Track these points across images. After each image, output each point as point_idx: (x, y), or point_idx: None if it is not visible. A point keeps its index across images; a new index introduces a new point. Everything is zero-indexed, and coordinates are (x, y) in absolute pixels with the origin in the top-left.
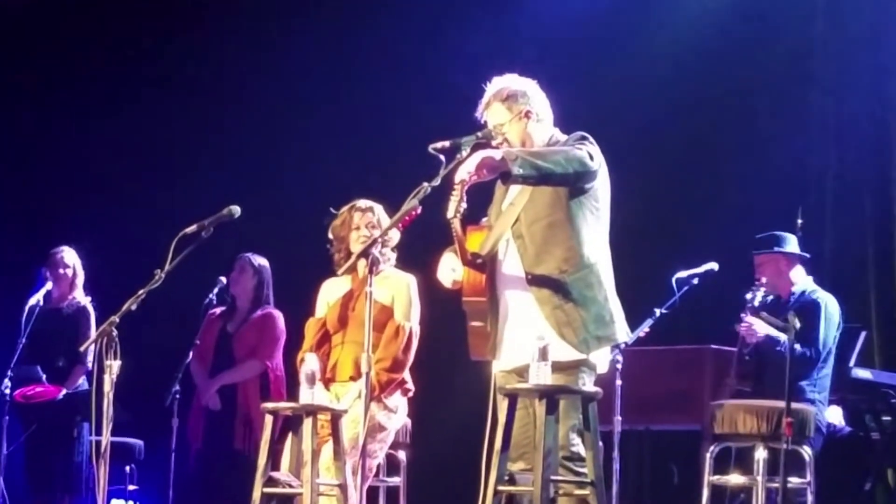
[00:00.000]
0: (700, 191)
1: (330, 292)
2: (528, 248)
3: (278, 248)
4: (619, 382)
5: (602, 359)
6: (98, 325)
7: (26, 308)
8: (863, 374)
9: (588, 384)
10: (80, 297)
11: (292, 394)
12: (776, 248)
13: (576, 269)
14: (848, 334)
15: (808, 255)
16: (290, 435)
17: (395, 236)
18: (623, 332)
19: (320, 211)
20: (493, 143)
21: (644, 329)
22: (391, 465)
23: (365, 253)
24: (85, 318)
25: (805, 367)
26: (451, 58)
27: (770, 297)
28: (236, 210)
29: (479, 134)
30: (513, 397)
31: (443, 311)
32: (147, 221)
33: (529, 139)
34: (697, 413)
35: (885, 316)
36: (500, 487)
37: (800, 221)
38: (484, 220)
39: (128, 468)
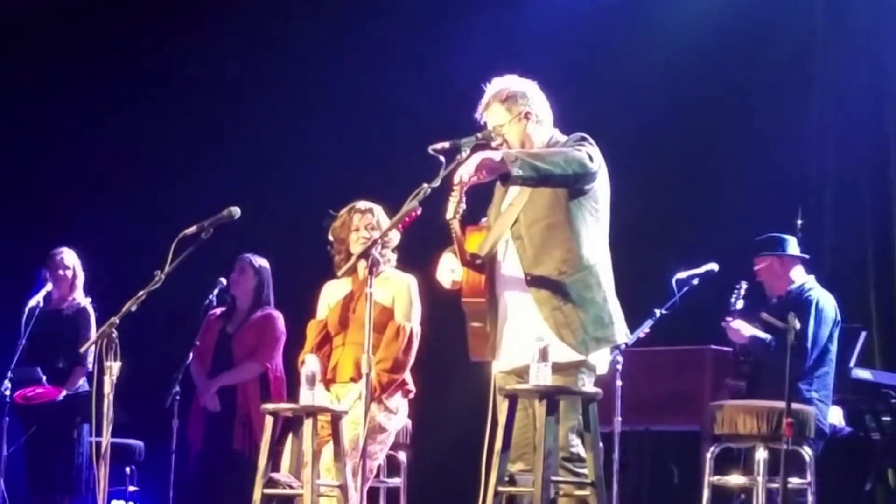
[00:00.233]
0: (700, 191)
1: (330, 294)
2: (527, 249)
3: (278, 249)
4: (619, 383)
5: (601, 360)
6: (98, 326)
7: (26, 309)
8: (863, 374)
9: (588, 385)
10: (81, 298)
11: (293, 395)
12: (770, 252)
13: (575, 270)
14: (848, 334)
15: (802, 257)
16: (290, 436)
17: (395, 237)
18: (622, 334)
19: (320, 212)
20: (493, 144)
21: (644, 330)
22: (391, 466)
23: (365, 254)
24: (85, 320)
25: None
26: (451, 58)
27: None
28: (236, 211)
29: (479, 135)
30: (513, 398)
31: (443, 311)
32: (147, 222)
33: (529, 140)
34: (697, 414)
35: (886, 316)
36: (501, 488)
37: (799, 222)
38: (483, 220)
39: (128, 469)
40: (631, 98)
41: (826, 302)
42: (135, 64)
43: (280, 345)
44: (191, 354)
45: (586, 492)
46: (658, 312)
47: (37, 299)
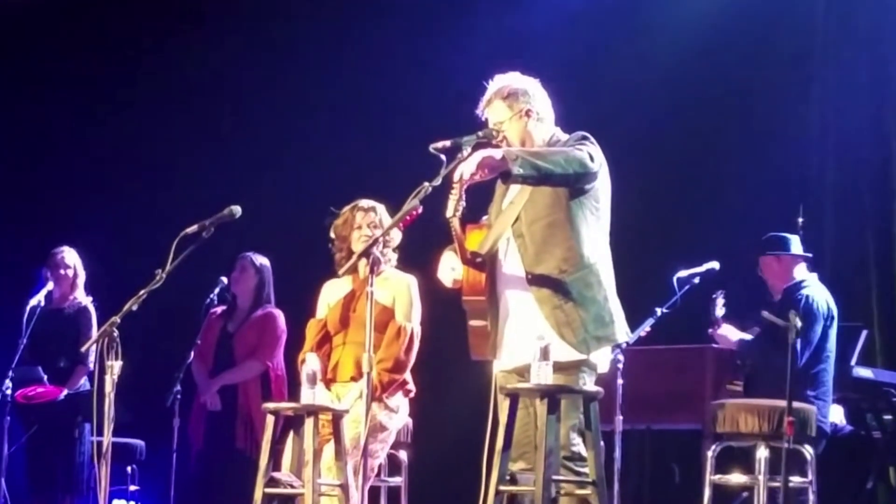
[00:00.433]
0: (701, 190)
1: (331, 293)
2: (528, 247)
3: (278, 248)
4: (620, 382)
5: (602, 358)
6: (99, 325)
7: (27, 308)
8: (864, 372)
9: (588, 384)
10: (82, 297)
11: (293, 394)
12: (769, 252)
13: (575, 268)
14: (849, 333)
15: (801, 255)
16: (291, 435)
17: (396, 236)
18: (623, 333)
19: (321, 211)
20: (494, 141)
21: (645, 328)
22: (392, 465)
23: (366, 253)
24: (86, 319)
25: (770, 355)
26: (452, 57)
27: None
28: (237, 210)
29: (480, 133)
30: (514, 397)
31: (443, 311)
32: (148, 221)
33: (529, 138)
34: (699, 412)
35: (887, 315)
36: (502, 487)
37: (800, 220)
38: (484, 218)
39: (129, 468)
40: (631, 97)
41: (818, 298)
42: (135, 64)
43: (281, 343)
44: (192, 353)
45: (587, 491)
46: (659, 311)
47: (38, 298)
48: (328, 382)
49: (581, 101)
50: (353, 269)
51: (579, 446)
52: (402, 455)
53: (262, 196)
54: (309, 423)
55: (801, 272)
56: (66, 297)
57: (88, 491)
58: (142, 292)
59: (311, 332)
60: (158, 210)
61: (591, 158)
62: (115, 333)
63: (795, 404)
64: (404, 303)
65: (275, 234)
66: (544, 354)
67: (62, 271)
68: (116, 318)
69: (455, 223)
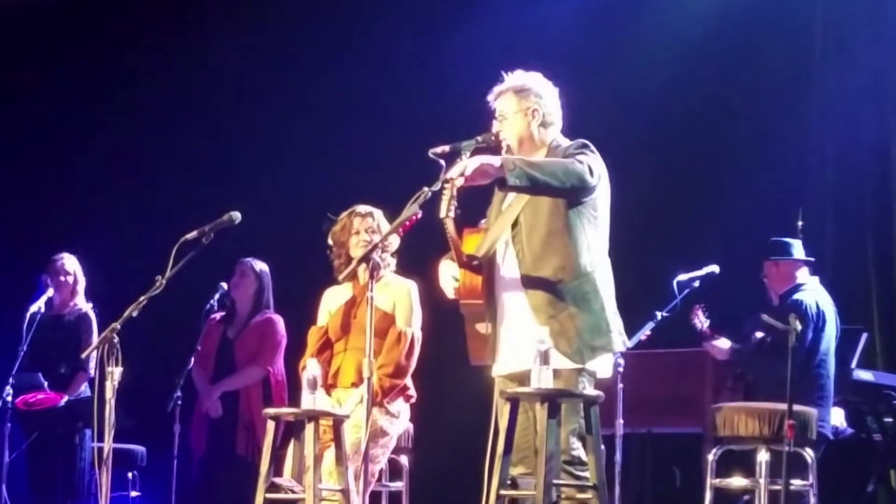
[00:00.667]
0: (701, 193)
1: (331, 300)
2: (526, 255)
3: (278, 254)
4: (620, 386)
5: (602, 366)
6: (99, 331)
7: (27, 315)
8: (864, 375)
9: (588, 389)
10: (82, 303)
11: (294, 400)
12: (769, 257)
13: (572, 277)
14: (849, 336)
15: (797, 259)
16: (292, 440)
17: (394, 241)
18: (619, 342)
19: (320, 216)
20: (493, 145)
21: (645, 332)
22: (393, 470)
23: (365, 258)
24: (86, 325)
25: (753, 361)
26: (451, 62)
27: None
28: (237, 216)
29: (480, 138)
30: (514, 401)
31: (444, 316)
32: (148, 227)
33: (528, 138)
34: (699, 416)
35: (887, 317)
36: (503, 492)
37: (800, 223)
38: (482, 222)
39: (130, 475)
40: (631, 100)
41: (808, 301)
42: (135, 67)
43: (281, 349)
44: (192, 359)
45: (588, 495)
46: (659, 315)
47: (38, 305)
48: (329, 388)
49: (580, 104)
50: (353, 275)
51: (579, 450)
52: (403, 460)
53: (262, 201)
54: (310, 429)
55: (801, 276)
56: (67, 303)
57: (89, 497)
58: (142, 298)
59: (313, 339)
60: (158, 216)
61: (591, 172)
62: (116, 340)
63: (796, 407)
64: (405, 308)
65: (274, 240)
66: (544, 358)
67: (62, 278)
68: (117, 325)
69: (448, 224)
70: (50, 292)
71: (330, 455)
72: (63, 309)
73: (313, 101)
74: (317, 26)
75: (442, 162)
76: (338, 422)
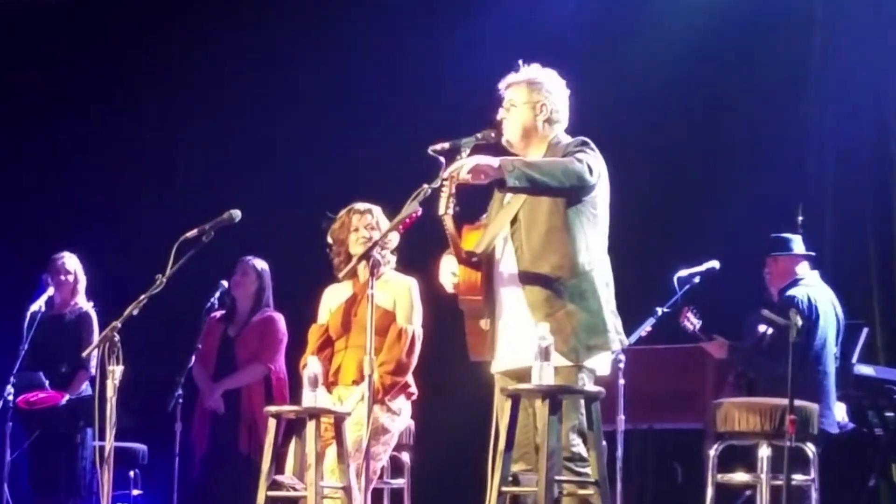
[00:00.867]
0: (701, 189)
1: (332, 298)
2: (525, 252)
3: (278, 252)
4: (621, 382)
5: (599, 364)
6: (100, 330)
7: (28, 314)
8: (865, 370)
9: (588, 385)
10: (82, 302)
11: (295, 398)
12: (769, 253)
13: (570, 275)
14: (850, 331)
15: (796, 255)
16: (293, 438)
17: (394, 239)
18: (617, 341)
19: (320, 214)
20: (492, 142)
21: (646, 328)
22: (395, 468)
23: (366, 255)
24: (87, 324)
25: (750, 360)
26: (451, 59)
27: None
28: (237, 214)
29: (479, 135)
30: (515, 398)
31: (444, 313)
32: (148, 226)
33: (531, 131)
34: (700, 411)
35: (888, 312)
36: (505, 488)
37: (800, 219)
38: (484, 217)
39: (131, 473)
40: (631, 97)
41: (800, 296)
42: (135, 67)
43: (282, 347)
44: (193, 357)
45: (590, 491)
46: (660, 311)
47: (38, 304)
48: (330, 386)
49: (581, 102)
50: (353, 273)
51: (579, 447)
52: (405, 457)
53: (262, 200)
54: (311, 427)
55: (801, 271)
56: (67, 302)
57: (91, 496)
58: (142, 297)
59: (313, 337)
60: (158, 215)
61: (590, 171)
62: (116, 338)
63: (797, 402)
64: (405, 305)
65: (274, 238)
66: (545, 355)
67: (62, 277)
68: (117, 323)
69: (447, 221)
70: (50, 291)
71: (331, 453)
72: (64, 308)
73: (313, 100)
74: (315, 25)
75: (441, 159)
76: (339, 419)
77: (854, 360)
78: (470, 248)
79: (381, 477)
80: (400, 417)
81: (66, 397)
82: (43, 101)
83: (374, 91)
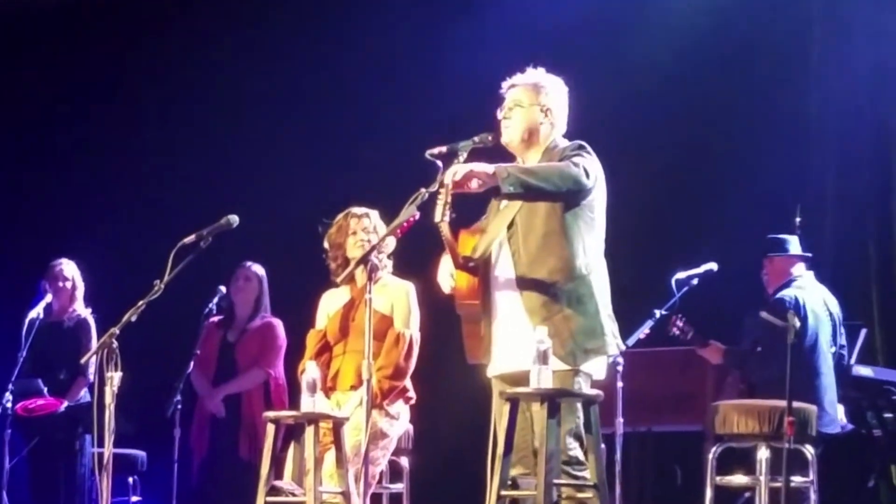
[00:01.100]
0: (699, 190)
1: (329, 303)
2: (522, 256)
3: (276, 257)
4: (620, 384)
5: (595, 368)
6: (99, 336)
7: (26, 321)
8: (864, 371)
9: (585, 388)
10: (81, 309)
11: (294, 404)
12: (765, 254)
13: (567, 279)
14: (848, 332)
15: (792, 255)
16: (292, 443)
17: (391, 243)
18: (614, 345)
19: (318, 219)
20: (489, 145)
21: (644, 330)
22: (394, 472)
23: (364, 260)
24: (85, 331)
25: (745, 364)
26: (448, 63)
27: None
28: (234, 219)
29: (477, 139)
30: (514, 402)
31: (442, 317)
32: (146, 232)
33: (535, 134)
34: (699, 414)
35: (887, 313)
36: (504, 492)
37: (798, 220)
38: (483, 218)
39: (131, 479)
40: (629, 98)
41: (788, 296)
42: (132, 72)
43: (282, 352)
44: (191, 363)
45: (588, 494)
46: (658, 313)
47: (37, 311)
48: (328, 391)
49: (578, 103)
50: (351, 278)
51: (576, 450)
52: (404, 461)
53: (260, 205)
54: (309, 432)
55: (797, 271)
56: (66, 309)
57: (90, 502)
58: (140, 303)
59: (311, 342)
60: (156, 220)
61: (587, 175)
62: (115, 345)
63: (795, 404)
64: (403, 310)
65: (272, 243)
66: (543, 358)
67: (61, 284)
68: (116, 330)
69: (444, 228)
70: (49, 298)
71: (330, 457)
72: (62, 315)
73: (309, 104)
74: (313, 31)
75: (439, 163)
76: (338, 424)
77: (853, 360)
78: (467, 253)
79: (379, 481)
80: (398, 422)
81: (65, 404)
82: (40, 105)
83: (372, 95)
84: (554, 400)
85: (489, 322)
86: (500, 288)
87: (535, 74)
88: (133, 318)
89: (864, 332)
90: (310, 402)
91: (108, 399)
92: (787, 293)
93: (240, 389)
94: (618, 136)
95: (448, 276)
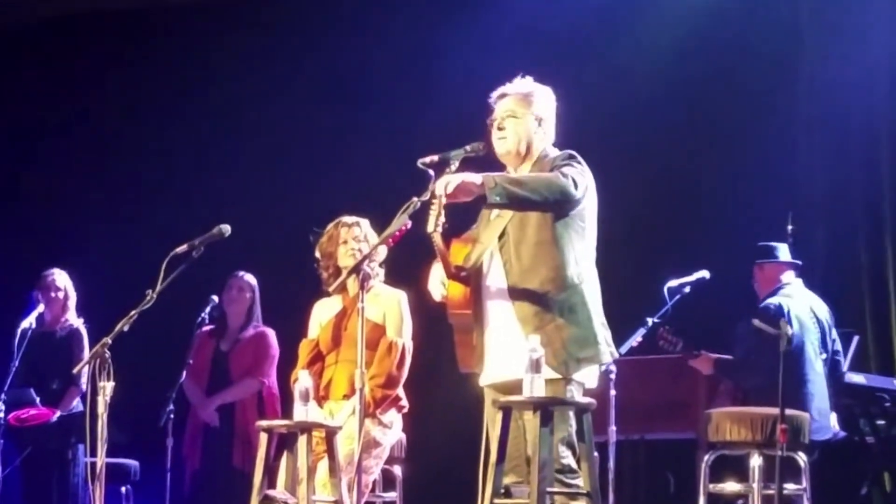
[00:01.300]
0: (691, 198)
1: (322, 313)
2: (514, 266)
3: (268, 267)
4: (613, 392)
5: (588, 376)
6: (91, 346)
7: (18, 331)
8: (856, 378)
9: (577, 397)
10: (73, 319)
11: (287, 412)
12: (755, 261)
13: (559, 289)
14: (841, 339)
15: (782, 262)
16: (285, 452)
17: (382, 251)
18: (607, 354)
19: (309, 228)
20: (481, 154)
21: (637, 338)
22: (387, 481)
23: (356, 269)
24: (78, 340)
25: (736, 373)
26: (439, 71)
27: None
28: (226, 229)
29: (468, 147)
30: (507, 410)
31: (434, 325)
32: (138, 242)
33: (529, 144)
34: (692, 421)
35: (879, 320)
36: (497, 501)
37: (790, 227)
38: (473, 227)
39: (123, 489)
40: (619, 106)
41: (771, 303)
42: (124, 82)
43: (275, 361)
44: (184, 373)
45: (582, 502)
46: (650, 321)
47: (29, 321)
48: (321, 400)
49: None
50: (343, 287)
51: (569, 458)
52: (397, 470)
53: (251, 214)
54: (302, 441)
55: (786, 279)
56: (58, 319)
57: None
58: (133, 313)
59: (304, 351)
60: (148, 230)
61: (576, 185)
62: (107, 354)
63: (788, 412)
64: (395, 318)
65: (264, 253)
66: (536, 367)
67: (53, 294)
68: (108, 339)
69: (436, 238)
70: (41, 308)
71: (323, 467)
72: (54, 324)
73: (301, 113)
74: (304, 42)
75: (431, 172)
76: (330, 433)
77: (845, 368)
78: (459, 262)
79: (372, 490)
80: (391, 430)
81: (58, 414)
82: (32, 114)
83: (363, 104)
84: (547, 408)
85: (481, 331)
86: (491, 297)
87: (526, 84)
88: (125, 328)
89: (856, 339)
90: (302, 412)
91: (101, 409)
92: (771, 301)
93: (234, 399)
94: (610, 144)
95: (439, 284)
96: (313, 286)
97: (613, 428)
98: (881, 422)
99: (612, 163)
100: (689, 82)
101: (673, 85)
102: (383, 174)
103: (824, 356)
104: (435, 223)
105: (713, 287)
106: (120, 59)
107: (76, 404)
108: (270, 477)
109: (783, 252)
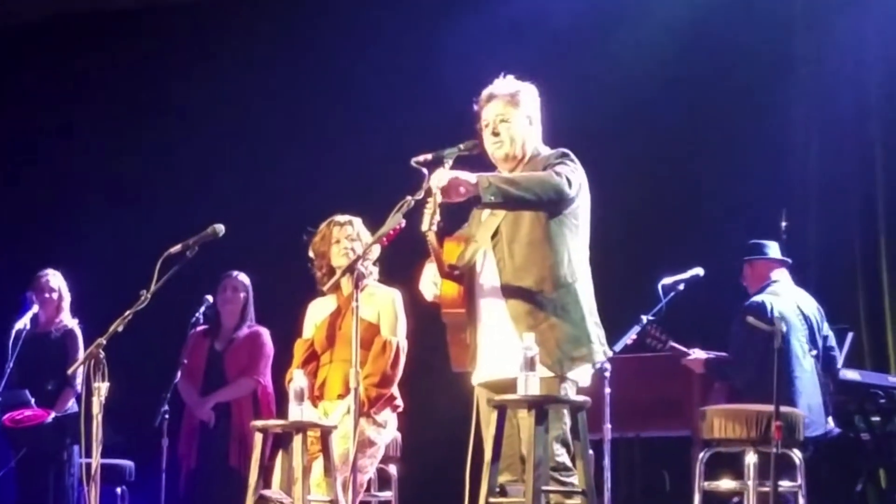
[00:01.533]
0: (685, 196)
1: (316, 312)
2: (507, 264)
3: (262, 266)
4: (607, 390)
5: (582, 375)
6: (85, 347)
7: (13, 332)
8: (851, 375)
9: (571, 395)
10: (67, 319)
11: (282, 412)
12: (745, 258)
13: (552, 288)
14: (835, 335)
15: (771, 259)
16: (280, 452)
17: (375, 250)
18: (601, 352)
19: (303, 228)
20: (475, 152)
21: (631, 336)
22: (382, 480)
23: (350, 268)
24: (72, 341)
25: (725, 371)
26: (433, 71)
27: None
28: (220, 229)
29: (462, 146)
30: (502, 409)
31: (429, 324)
32: (132, 242)
33: (523, 144)
34: (687, 419)
35: (873, 316)
36: (492, 499)
37: (784, 224)
38: (465, 226)
39: (119, 490)
40: (612, 104)
41: (760, 302)
42: (118, 83)
43: (270, 361)
44: (178, 373)
45: (577, 500)
46: (645, 319)
47: (23, 322)
48: (316, 400)
49: (562, 109)
50: (337, 286)
51: (563, 457)
52: (392, 469)
53: (245, 214)
54: (297, 440)
55: (776, 276)
56: (52, 320)
57: None
58: (127, 313)
59: (298, 351)
60: (142, 231)
61: (569, 184)
62: (102, 355)
63: (782, 409)
64: (389, 317)
65: (258, 253)
66: (531, 365)
67: (47, 295)
68: (102, 340)
69: (431, 237)
70: (35, 309)
71: (318, 466)
72: (49, 325)
73: (294, 114)
74: (298, 44)
75: (424, 170)
76: (325, 433)
77: (839, 364)
78: (452, 261)
79: (368, 489)
80: (386, 430)
81: (53, 415)
82: (26, 115)
83: (357, 104)
84: (541, 407)
85: (474, 330)
86: (485, 296)
87: (510, 83)
88: (120, 329)
89: (850, 335)
90: (297, 411)
91: (96, 409)
92: (756, 298)
93: (230, 398)
94: (604, 142)
95: (431, 284)
96: (307, 286)
97: (608, 426)
98: (876, 418)
99: (606, 161)
100: (683, 81)
101: (667, 84)
102: (377, 173)
103: (814, 353)
104: (430, 222)
105: (707, 284)
106: (120, 59)
107: (71, 405)
108: (266, 477)
109: (773, 249)
